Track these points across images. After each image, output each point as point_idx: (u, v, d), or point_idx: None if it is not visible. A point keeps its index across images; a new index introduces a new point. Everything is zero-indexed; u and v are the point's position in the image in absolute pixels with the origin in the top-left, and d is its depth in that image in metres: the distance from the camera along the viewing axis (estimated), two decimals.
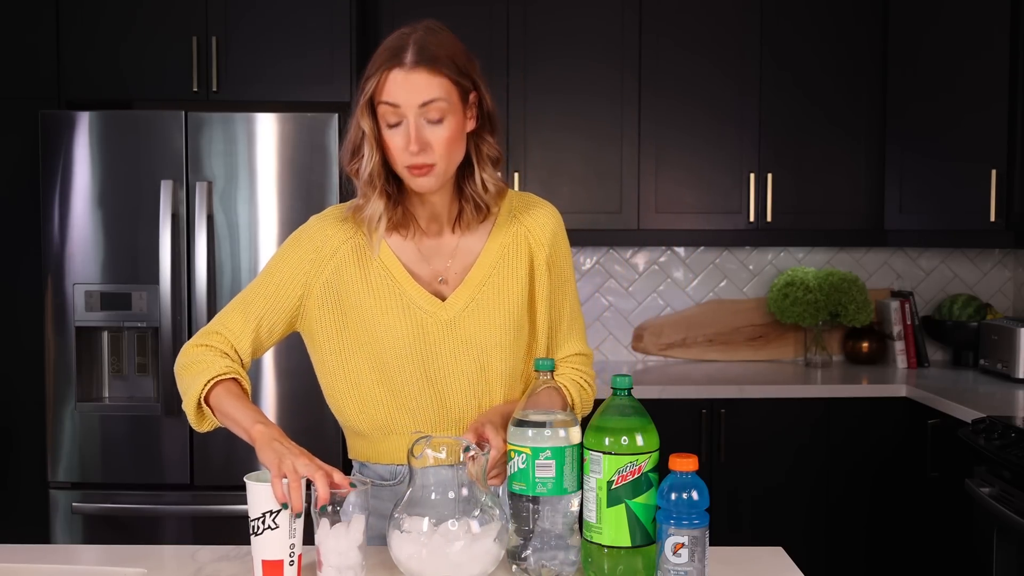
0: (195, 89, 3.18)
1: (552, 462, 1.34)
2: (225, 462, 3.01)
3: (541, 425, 1.35)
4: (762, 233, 3.52)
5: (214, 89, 3.19)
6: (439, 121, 1.49)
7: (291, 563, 1.33)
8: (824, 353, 3.72)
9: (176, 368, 1.59)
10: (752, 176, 3.49)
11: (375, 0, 3.43)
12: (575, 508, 1.37)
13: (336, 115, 3.00)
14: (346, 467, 1.67)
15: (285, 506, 1.31)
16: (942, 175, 3.42)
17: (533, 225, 1.64)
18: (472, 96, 1.56)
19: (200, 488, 3.03)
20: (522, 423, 1.36)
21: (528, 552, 1.37)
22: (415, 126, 1.48)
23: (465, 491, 1.34)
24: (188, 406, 1.54)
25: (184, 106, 3.07)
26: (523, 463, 1.35)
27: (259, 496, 1.31)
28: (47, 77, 3.19)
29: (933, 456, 3.06)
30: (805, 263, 3.84)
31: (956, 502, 2.88)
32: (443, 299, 1.58)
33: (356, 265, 1.59)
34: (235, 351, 1.58)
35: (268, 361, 3.00)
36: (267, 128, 2.99)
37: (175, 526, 3.03)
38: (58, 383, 3.02)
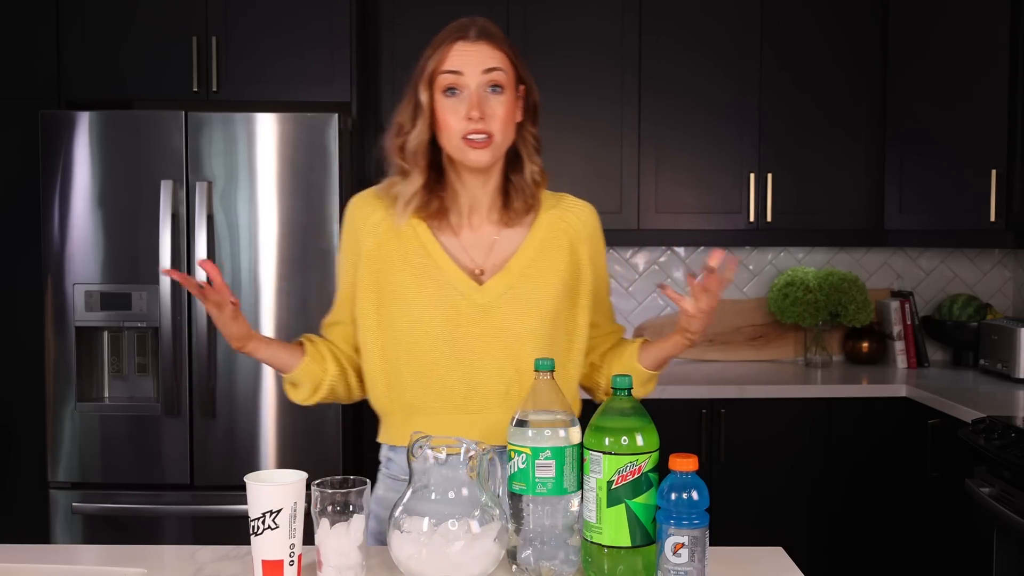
0: (195, 89, 3.19)
1: (552, 462, 1.34)
2: (225, 462, 3.02)
3: (541, 425, 1.35)
4: (762, 233, 3.52)
5: (214, 89, 3.19)
6: (500, 91, 1.56)
7: (291, 563, 1.33)
8: (824, 353, 3.72)
9: None
10: (752, 176, 3.49)
11: (375, 0, 3.43)
12: (575, 508, 1.37)
13: (336, 115, 3.00)
14: (370, 451, 1.65)
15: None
16: (942, 175, 3.42)
17: (575, 221, 1.68)
18: (522, 88, 1.62)
19: (200, 488, 3.03)
20: (522, 423, 1.36)
21: (528, 552, 1.37)
22: (477, 94, 1.54)
23: (465, 491, 1.34)
24: (285, 387, 1.70)
25: (184, 106, 3.07)
26: (523, 463, 1.35)
27: (259, 496, 1.31)
28: (47, 77, 3.19)
29: (933, 456, 3.06)
30: (805, 263, 3.84)
31: (956, 502, 2.88)
32: (481, 285, 1.60)
33: (395, 243, 1.62)
34: (327, 345, 1.70)
35: None
36: (267, 128, 2.99)
37: (175, 526, 3.03)
38: (58, 383, 3.02)
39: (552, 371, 1.39)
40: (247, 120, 2.99)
